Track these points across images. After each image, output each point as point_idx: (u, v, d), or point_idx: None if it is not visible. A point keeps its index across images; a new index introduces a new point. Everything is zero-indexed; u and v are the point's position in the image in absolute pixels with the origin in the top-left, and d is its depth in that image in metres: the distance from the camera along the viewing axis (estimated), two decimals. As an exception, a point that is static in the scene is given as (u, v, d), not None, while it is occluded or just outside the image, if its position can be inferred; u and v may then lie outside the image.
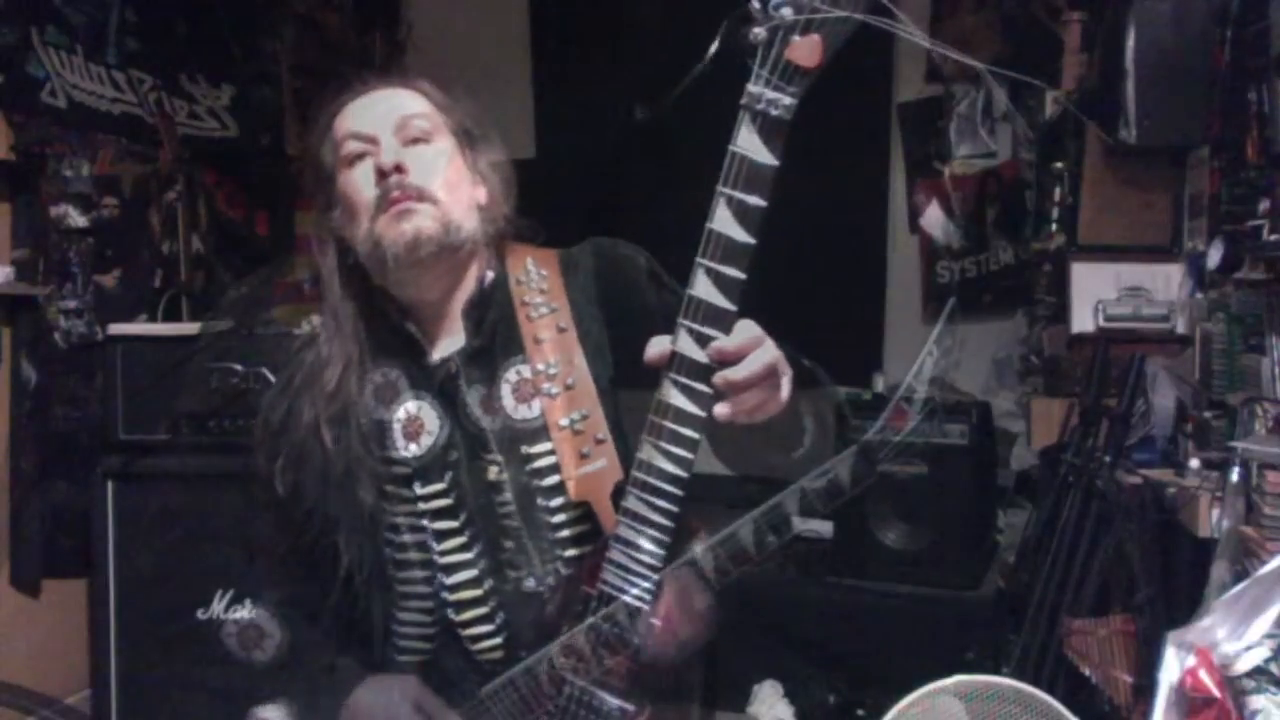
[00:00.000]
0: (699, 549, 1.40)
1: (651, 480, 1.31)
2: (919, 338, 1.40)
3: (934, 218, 4.52)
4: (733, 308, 1.25)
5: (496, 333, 1.52)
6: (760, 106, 1.21)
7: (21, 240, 3.36)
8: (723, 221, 1.23)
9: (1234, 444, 2.16)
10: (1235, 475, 2.08)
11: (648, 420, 1.29)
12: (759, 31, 1.21)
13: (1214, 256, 2.59)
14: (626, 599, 1.39)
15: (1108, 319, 2.99)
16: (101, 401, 3.24)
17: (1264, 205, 2.36)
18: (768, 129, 1.21)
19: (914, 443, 1.34)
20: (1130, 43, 2.77)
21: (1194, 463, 2.45)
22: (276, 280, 1.44)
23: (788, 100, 1.21)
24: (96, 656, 3.08)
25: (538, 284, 1.54)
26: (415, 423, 1.50)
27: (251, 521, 1.55)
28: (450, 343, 1.53)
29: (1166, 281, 2.99)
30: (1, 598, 3.31)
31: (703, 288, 1.25)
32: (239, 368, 2.61)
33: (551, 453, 1.47)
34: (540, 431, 1.48)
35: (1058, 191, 3.49)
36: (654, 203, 4.35)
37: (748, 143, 1.22)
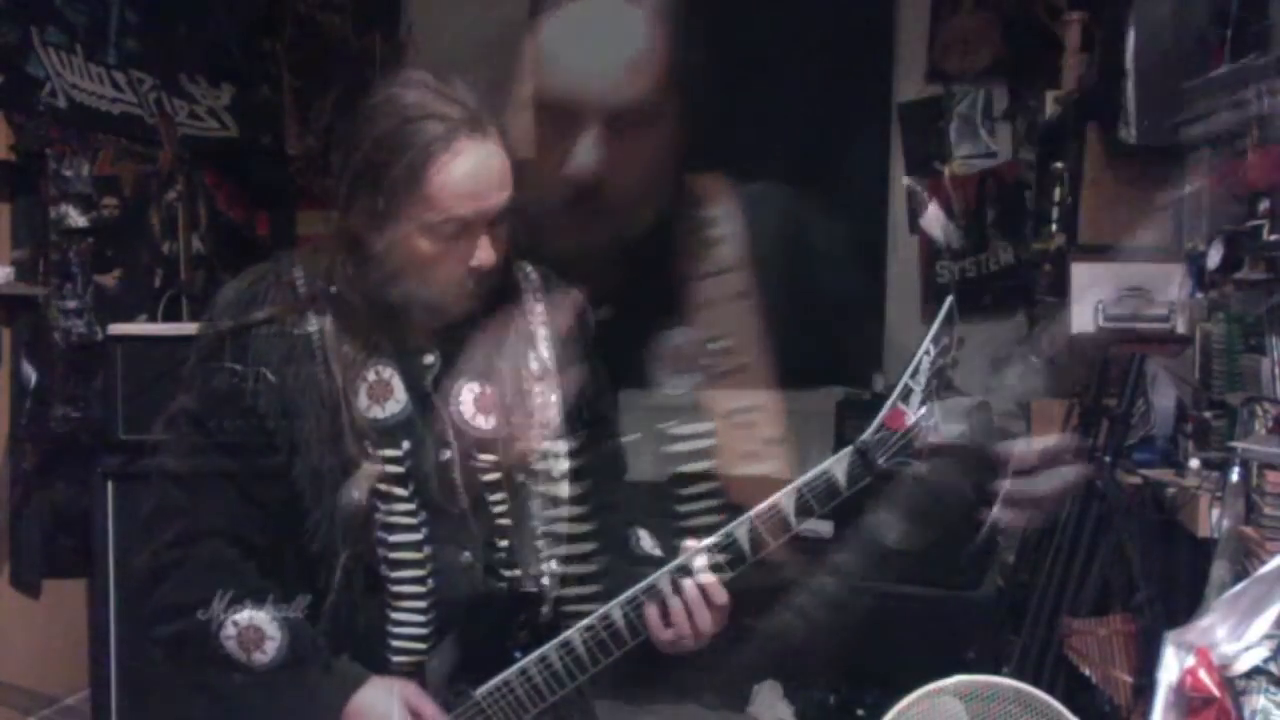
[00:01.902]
0: (696, 550, 1.40)
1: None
2: (919, 338, 1.39)
3: (934, 218, 4.52)
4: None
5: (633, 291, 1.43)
6: None
7: (21, 240, 3.36)
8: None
9: (1234, 444, 2.15)
10: (1235, 475, 2.08)
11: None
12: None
13: (1214, 256, 2.59)
14: (623, 600, 1.39)
15: (1108, 319, 2.99)
16: (101, 401, 3.24)
17: (1264, 205, 2.35)
18: None
19: (912, 442, 1.34)
20: (1130, 43, 2.77)
21: (1194, 463, 2.45)
22: (273, 280, 1.43)
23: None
24: (96, 656, 3.08)
25: (704, 225, 1.42)
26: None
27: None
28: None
29: (1166, 281, 2.98)
30: (1, 598, 3.31)
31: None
32: (239, 368, 2.61)
33: (707, 435, 1.43)
34: (689, 411, 1.44)
35: (1058, 191, 3.49)
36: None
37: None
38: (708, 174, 1.36)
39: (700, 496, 1.39)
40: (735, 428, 1.33)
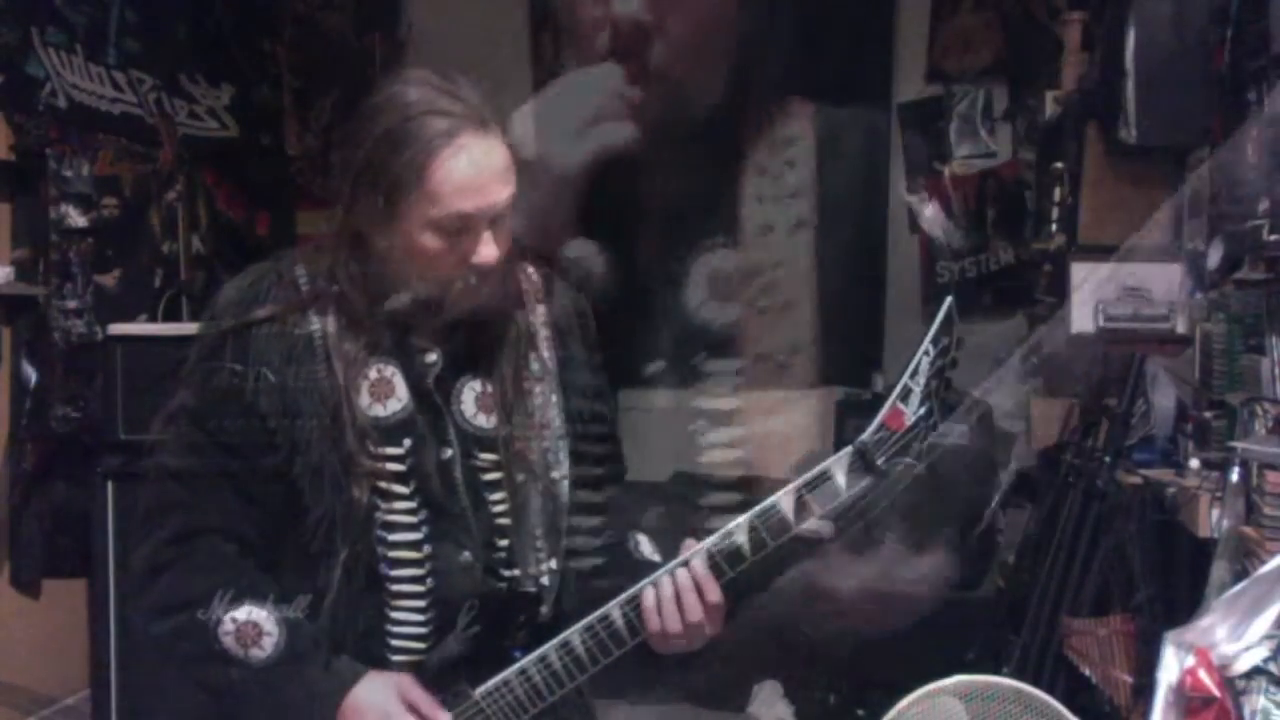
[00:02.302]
0: (695, 550, 1.40)
1: None
2: (919, 338, 1.39)
3: (934, 218, 4.52)
4: None
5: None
6: None
7: (21, 240, 3.37)
8: None
9: (1234, 444, 2.15)
10: (1235, 475, 2.07)
11: None
12: None
13: (1214, 256, 2.59)
14: (622, 600, 1.39)
15: (1108, 319, 2.99)
16: (101, 401, 3.24)
17: (1264, 205, 2.35)
18: None
19: (911, 443, 1.34)
20: (1130, 43, 2.77)
21: (1194, 463, 2.44)
22: (275, 279, 1.43)
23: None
24: (96, 656, 3.08)
25: (775, 152, 1.44)
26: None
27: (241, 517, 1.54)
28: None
29: (1166, 281, 2.98)
30: (1, 598, 3.31)
31: None
32: (239, 367, 2.61)
33: (737, 374, 1.43)
34: (728, 346, 1.43)
35: (1058, 191, 3.49)
36: (651, 198, 4.36)
37: None
38: (790, 96, 1.34)
39: (731, 444, 1.38)
40: (771, 367, 1.31)
